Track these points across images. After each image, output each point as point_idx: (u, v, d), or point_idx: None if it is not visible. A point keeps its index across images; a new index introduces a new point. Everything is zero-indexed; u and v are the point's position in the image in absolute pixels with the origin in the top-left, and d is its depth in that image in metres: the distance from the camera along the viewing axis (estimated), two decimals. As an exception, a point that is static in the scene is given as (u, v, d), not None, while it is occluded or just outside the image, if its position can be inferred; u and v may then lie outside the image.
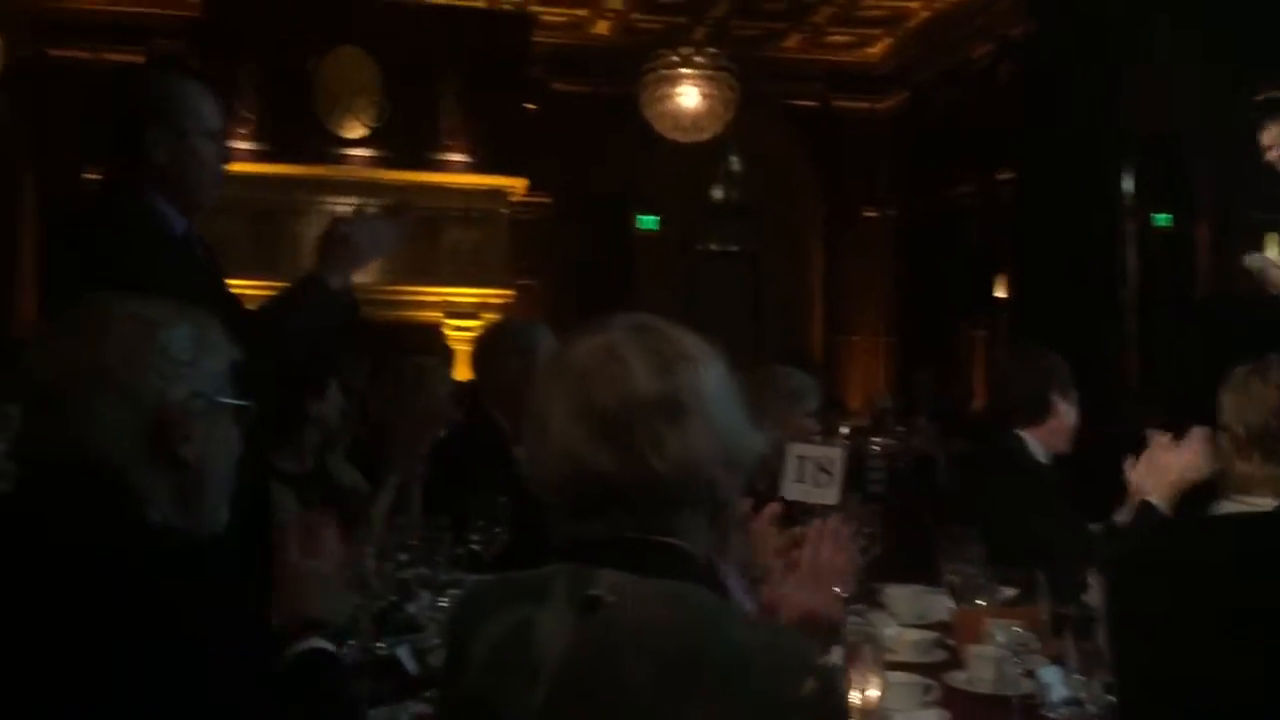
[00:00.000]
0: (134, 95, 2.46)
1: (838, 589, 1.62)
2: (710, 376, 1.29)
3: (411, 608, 2.34)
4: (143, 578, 1.28)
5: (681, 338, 1.31)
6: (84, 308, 1.44)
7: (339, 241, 2.42)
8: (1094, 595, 2.05)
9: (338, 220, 2.50)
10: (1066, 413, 3.18)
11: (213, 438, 1.44)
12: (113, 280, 1.55)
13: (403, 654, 2.13)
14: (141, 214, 2.34)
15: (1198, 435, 2.72)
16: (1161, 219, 8.90)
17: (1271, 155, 3.87)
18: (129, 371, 1.37)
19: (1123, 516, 2.78)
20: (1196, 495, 2.14)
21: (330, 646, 1.53)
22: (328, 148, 10.28)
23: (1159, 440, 2.74)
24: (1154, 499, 2.76)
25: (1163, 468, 2.75)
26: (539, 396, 1.30)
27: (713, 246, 12.76)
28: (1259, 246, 7.31)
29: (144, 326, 1.40)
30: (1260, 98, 7.46)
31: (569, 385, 1.27)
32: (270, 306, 2.42)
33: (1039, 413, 3.15)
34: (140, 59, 10.37)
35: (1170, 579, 1.66)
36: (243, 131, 9.69)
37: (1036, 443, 3.15)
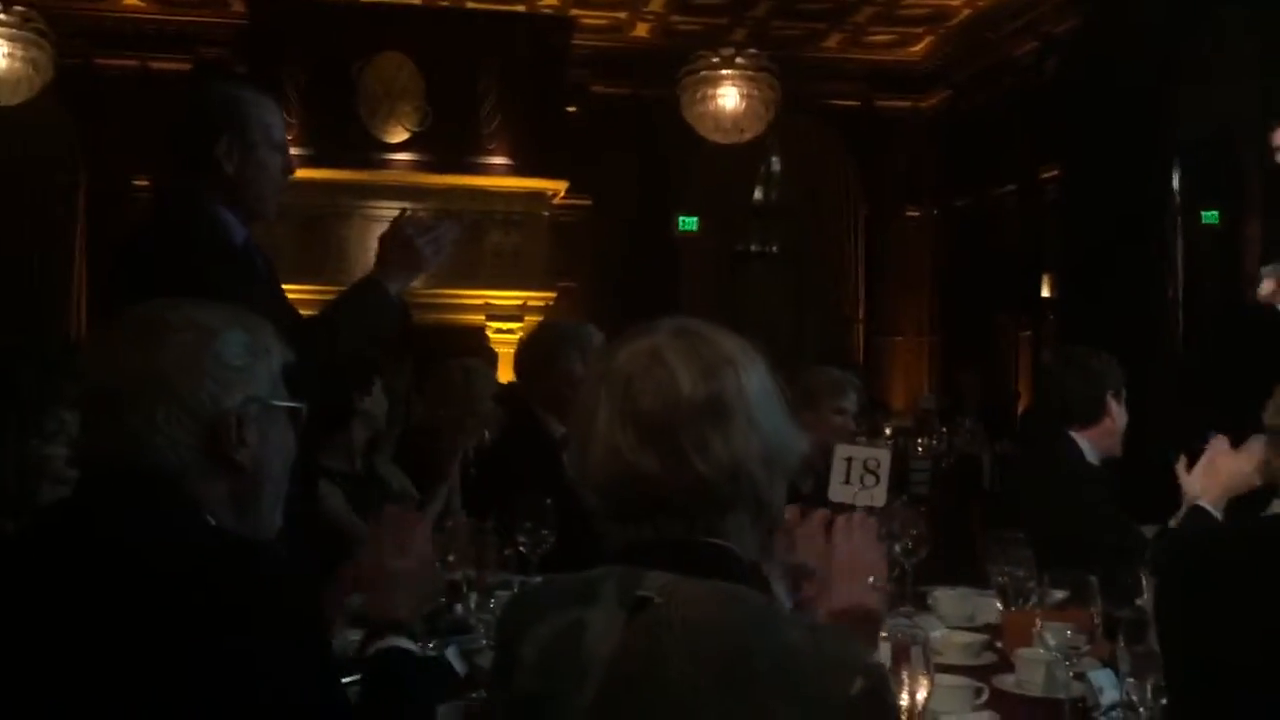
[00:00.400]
0: (206, 105, 2.50)
1: (873, 581, 1.62)
2: (753, 379, 1.30)
3: (459, 609, 2.36)
4: (205, 583, 1.30)
5: (724, 340, 1.32)
6: (140, 315, 1.46)
7: (402, 245, 2.44)
8: (1147, 598, 2.03)
9: (401, 223, 2.51)
10: (1119, 415, 3.16)
11: (268, 441, 1.46)
12: (175, 288, 1.57)
13: (451, 655, 2.15)
14: (206, 222, 2.37)
15: (1257, 442, 2.70)
16: (1210, 216, 8.77)
17: None
18: (185, 379, 1.39)
19: (1176, 521, 2.76)
20: (1253, 501, 2.11)
21: (412, 646, 1.55)
22: (371, 152, 10.37)
23: (1218, 445, 2.72)
24: (1205, 503, 2.73)
25: (1218, 472, 2.73)
26: (584, 400, 1.31)
27: (754, 248, 12.73)
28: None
29: (199, 334, 1.42)
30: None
31: (614, 389, 1.28)
32: (330, 309, 2.44)
33: (1093, 414, 3.12)
34: (187, 67, 10.53)
35: (1221, 582, 1.64)
36: (288, 137, 9.80)
37: (1089, 444, 3.12)
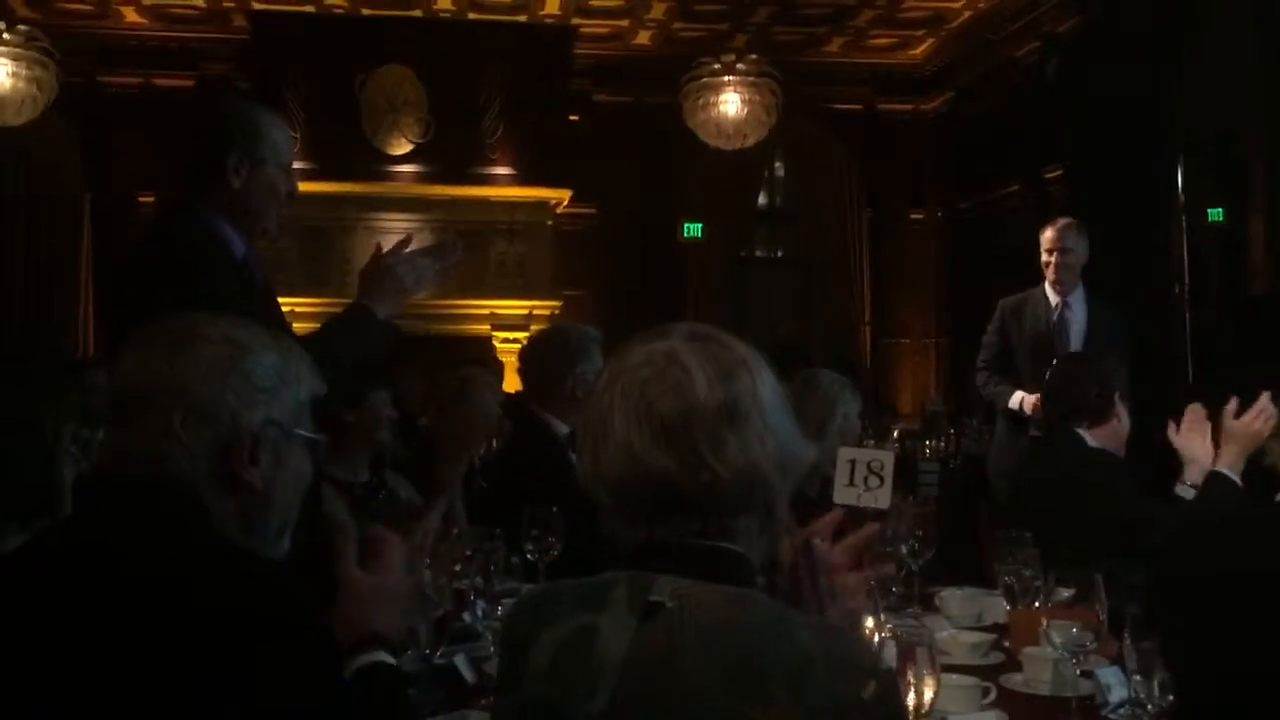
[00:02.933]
0: (220, 119, 2.53)
1: (853, 607, 1.64)
2: (766, 384, 1.31)
3: (467, 617, 2.36)
4: (217, 594, 1.30)
5: (737, 345, 1.34)
6: (176, 324, 1.46)
7: (383, 273, 2.46)
8: (1152, 594, 2.03)
9: (381, 253, 2.54)
10: (1125, 416, 3.20)
11: (283, 466, 1.46)
12: (173, 302, 1.58)
13: (460, 663, 2.15)
14: (204, 237, 2.39)
15: (1263, 401, 2.80)
16: (1215, 214, 8.75)
17: None
18: (207, 390, 1.40)
19: (1185, 487, 2.83)
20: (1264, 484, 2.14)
21: (392, 660, 1.54)
22: (374, 165, 10.40)
23: (1196, 408, 2.84)
24: (1223, 467, 2.79)
25: (1233, 435, 2.81)
26: (599, 402, 1.32)
27: (759, 253, 12.74)
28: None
29: (233, 349, 1.42)
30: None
31: (630, 391, 1.29)
32: (320, 333, 2.46)
33: (1103, 413, 3.15)
34: (190, 84, 10.58)
35: (1216, 578, 1.64)
36: (292, 150, 9.85)
37: (1096, 442, 3.14)
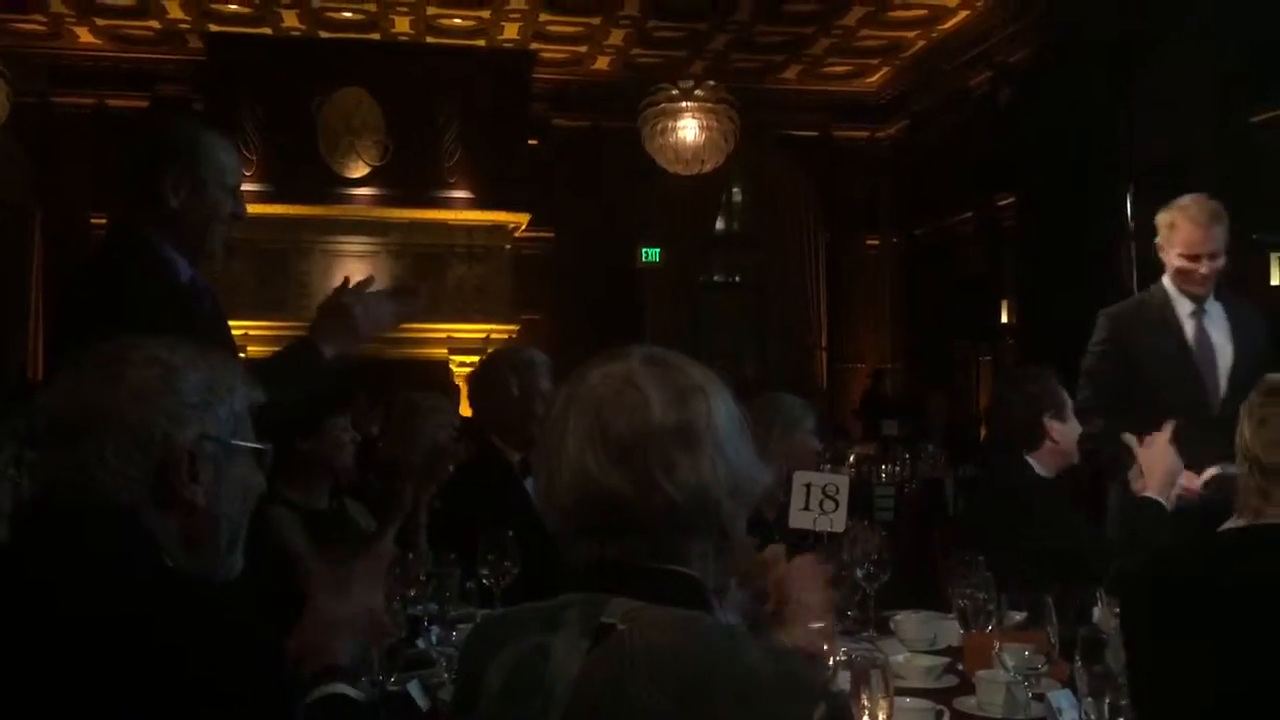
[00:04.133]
0: (158, 138, 2.49)
1: (818, 625, 1.66)
2: (722, 409, 1.32)
3: (421, 643, 2.34)
4: (157, 623, 1.28)
5: (694, 370, 1.34)
6: (103, 350, 1.45)
7: (338, 312, 2.41)
8: (1102, 616, 2.05)
9: (338, 291, 2.48)
10: (1061, 433, 3.13)
11: (225, 479, 1.45)
12: (115, 326, 1.56)
13: (413, 689, 2.13)
14: (147, 261, 2.36)
15: (1166, 427, 2.82)
16: (1163, 241, 8.91)
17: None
18: (137, 413, 1.39)
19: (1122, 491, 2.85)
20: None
21: (354, 693, 1.52)
22: (331, 187, 10.36)
23: (1168, 426, 2.84)
24: (1151, 494, 2.81)
25: (1149, 465, 2.83)
26: (555, 423, 1.32)
27: (716, 278, 12.81)
28: (1263, 267, 7.34)
29: (160, 370, 1.42)
30: (1259, 119, 7.52)
31: (585, 412, 1.29)
32: (262, 366, 2.42)
33: (1033, 438, 3.15)
34: (145, 104, 10.50)
35: (1184, 596, 1.66)
36: (246, 173, 9.77)
37: (1039, 465, 3.15)
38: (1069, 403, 3.16)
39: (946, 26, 10.39)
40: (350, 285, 2.48)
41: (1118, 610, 1.98)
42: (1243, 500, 1.84)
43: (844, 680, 1.61)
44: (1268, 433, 1.80)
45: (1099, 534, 3.03)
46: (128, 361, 1.42)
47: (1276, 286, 7.22)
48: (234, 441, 1.46)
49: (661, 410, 1.27)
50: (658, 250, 11.67)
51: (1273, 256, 7.24)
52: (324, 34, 10.44)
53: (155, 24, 10.09)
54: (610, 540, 1.28)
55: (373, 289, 2.49)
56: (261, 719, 1.30)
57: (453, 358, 10.23)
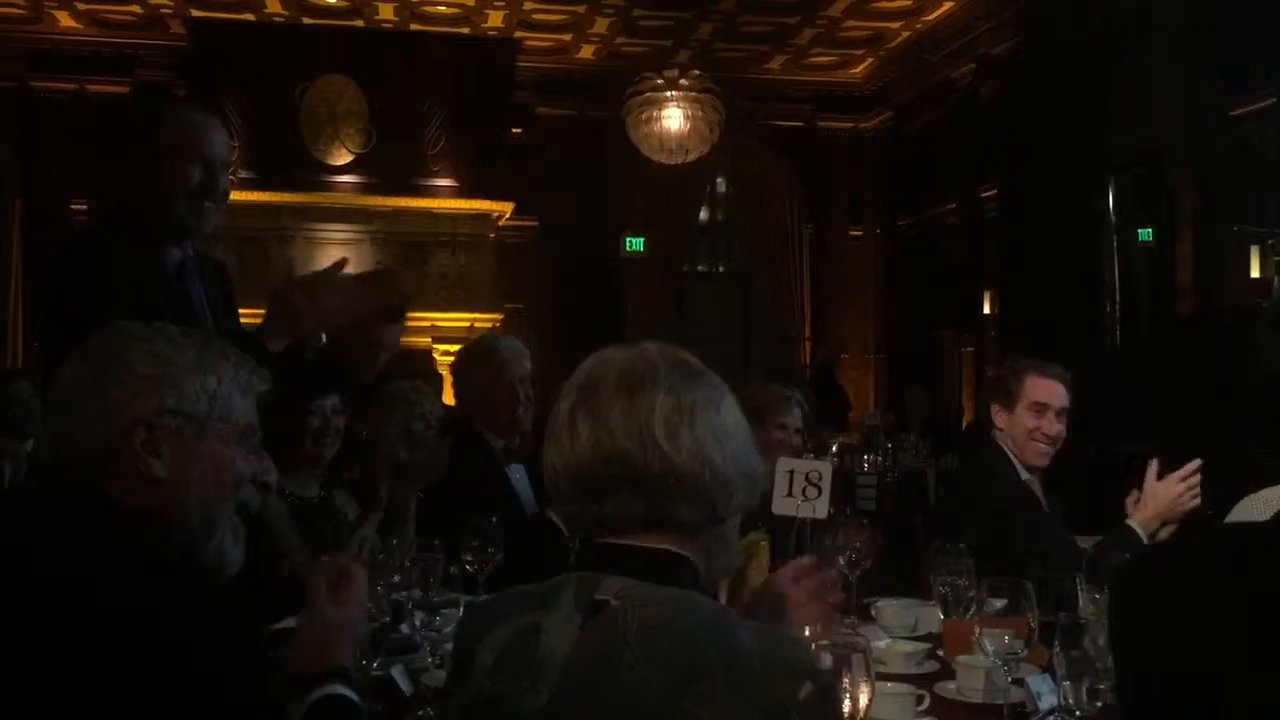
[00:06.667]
0: (146, 123, 2.46)
1: (811, 628, 1.74)
2: (727, 403, 1.39)
3: (405, 628, 2.35)
4: (128, 609, 1.28)
5: (709, 372, 1.42)
6: (96, 336, 1.49)
7: (276, 302, 2.31)
8: (1083, 605, 2.07)
9: (281, 283, 2.40)
10: (1007, 422, 3.12)
11: (195, 457, 1.44)
12: (102, 303, 1.57)
13: (397, 674, 2.14)
14: (117, 251, 2.34)
15: (1190, 468, 2.74)
16: (1145, 234, 8.97)
17: None
18: (94, 388, 1.41)
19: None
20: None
21: (354, 696, 1.53)
22: (314, 175, 10.33)
23: (1150, 472, 2.77)
24: (1134, 524, 2.79)
25: (1150, 497, 2.78)
26: (568, 396, 1.38)
27: (700, 268, 12.82)
28: (1243, 259, 7.40)
29: (115, 345, 1.45)
30: (1238, 112, 7.57)
31: (599, 388, 1.36)
32: None
33: (987, 426, 3.17)
34: (126, 90, 10.42)
35: (1179, 592, 1.67)
36: (230, 159, 9.74)
37: (1012, 456, 3.15)
38: (1025, 395, 3.13)
39: (930, 18, 10.41)
40: (325, 268, 2.43)
41: (1097, 597, 2.01)
42: None
43: (826, 663, 1.63)
44: None
45: (1068, 542, 3.00)
46: (92, 342, 1.47)
47: (1257, 279, 7.27)
48: (210, 419, 1.46)
49: (666, 387, 1.35)
50: (642, 240, 11.66)
51: (1253, 249, 7.29)
52: (307, 20, 10.38)
53: (137, 8, 10.02)
54: (609, 497, 1.33)
55: (346, 272, 2.42)
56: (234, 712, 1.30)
57: (436, 346, 10.21)
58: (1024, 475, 3.14)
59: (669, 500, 1.33)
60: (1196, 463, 2.74)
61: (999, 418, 3.15)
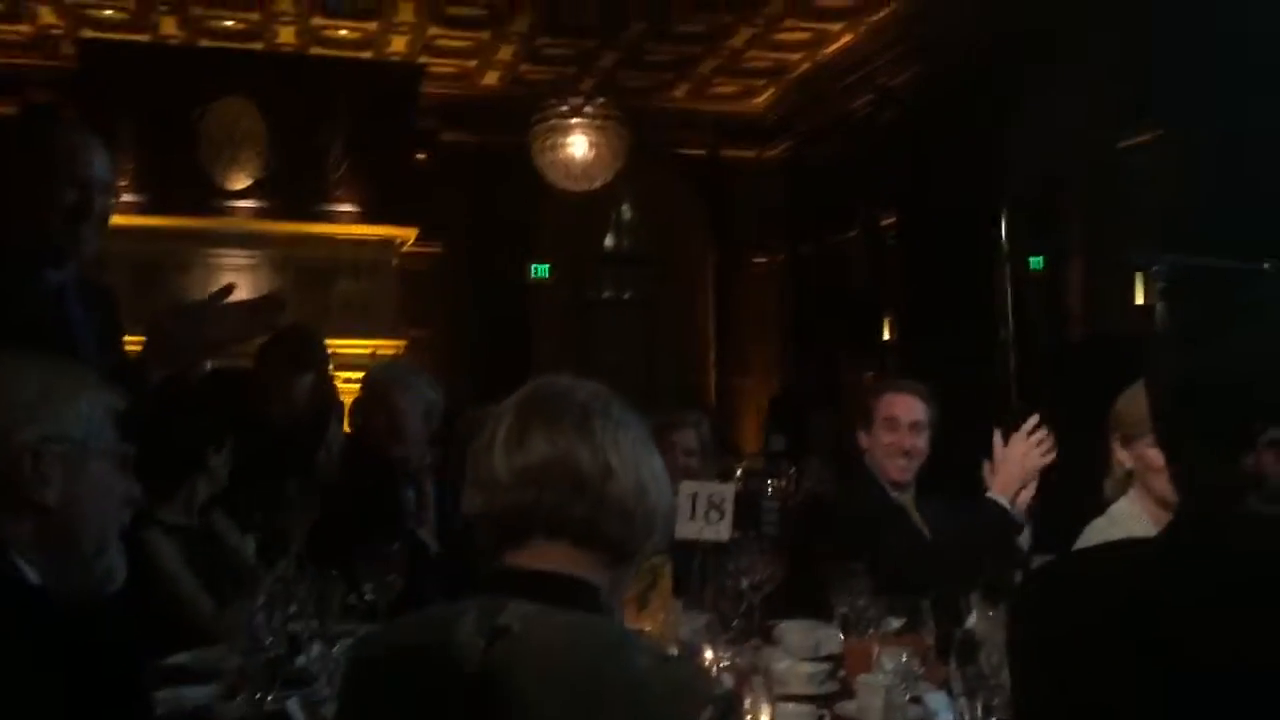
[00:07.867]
0: (21, 143, 2.39)
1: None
2: (634, 433, 1.41)
3: (302, 659, 2.30)
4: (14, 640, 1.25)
5: (610, 399, 1.44)
6: None
7: (153, 330, 2.27)
8: (974, 620, 2.11)
9: (160, 312, 2.34)
10: (867, 442, 3.23)
11: (81, 482, 1.43)
12: None
13: (292, 707, 2.09)
14: (9, 263, 2.28)
15: (1030, 423, 2.87)
16: (1036, 262, 9.23)
17: None
18: None
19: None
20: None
21: (299, 715, 1.53)
22: (212, 199, 10.11)
23: (998, 438, 2.88)
24: (994, 494, 2.87)
25: (1003, 463, 2.87)
26: (515, 410, 1.40)
27: (606, 294, 12.84)
28: (1128, 286, 7.65)
29: (1, 373, 1.42)
30: (1125, 144, 7.85)
31: (550, 400, 1.39)
32: None
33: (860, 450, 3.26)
34: (13, 110, 10.10)
35: (1073, 610, 1.70)
36: (122, 183, 9.48)
37: (875, 472, 3.23)
38: (879, 412, 3.23)
39: (830, 50, 10.61)
40: (207, 296, 2.36)
41: (991, 614, 2.05)
42: None
43: (728, 683, 1.63)
44: None
45: (923, 547, 3.07)
46: None
47: (1140, 306, 7.52)
48: (91, 443, 1.44)
49: (619, 418, 1.39)
50: (547, 267, 11.66)
51: (1138, 277, 7.54)
52: (205, 42, 10.19)
53: (26, 28, 9.74)
54: (552, 490, 1.34)
55: (232, 299, 2.35)
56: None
57: (338, 374, 10.02)
58: (893, 493, 3.21)
59: (604, 517, 1.34)
60: (1035, 418, 2.87)
61: (862, 439, 3.25)
